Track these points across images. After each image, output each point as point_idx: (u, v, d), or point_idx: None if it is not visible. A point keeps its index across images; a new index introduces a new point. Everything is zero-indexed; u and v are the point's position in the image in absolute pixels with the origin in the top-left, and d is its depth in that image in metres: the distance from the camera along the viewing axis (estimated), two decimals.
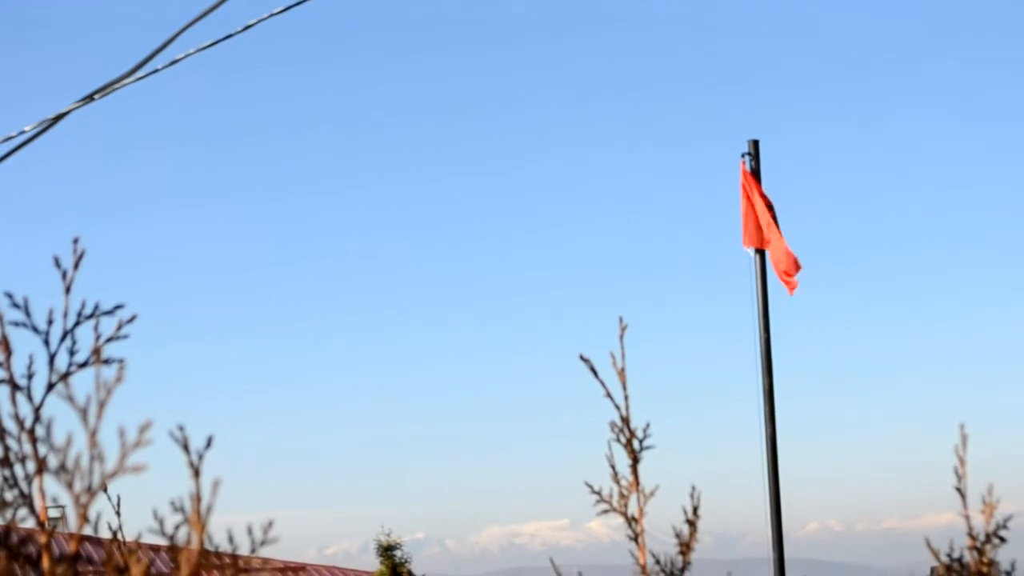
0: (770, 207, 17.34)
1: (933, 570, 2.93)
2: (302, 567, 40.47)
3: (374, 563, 33.34)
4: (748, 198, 17.44)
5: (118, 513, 3.35)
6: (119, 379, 2.16)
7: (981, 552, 2.71)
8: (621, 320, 2.87)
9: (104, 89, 8.00)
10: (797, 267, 17.42)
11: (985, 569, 2.70)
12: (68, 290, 2.27)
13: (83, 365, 2.23)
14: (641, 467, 2.92)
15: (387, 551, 32.37)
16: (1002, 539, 2.75)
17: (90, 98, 8.00)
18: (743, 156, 17.70)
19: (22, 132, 8.08)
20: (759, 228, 17.38)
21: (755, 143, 17.75)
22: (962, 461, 2.74)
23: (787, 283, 17.50)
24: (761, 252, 17.53)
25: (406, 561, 32.56)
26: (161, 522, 2.11)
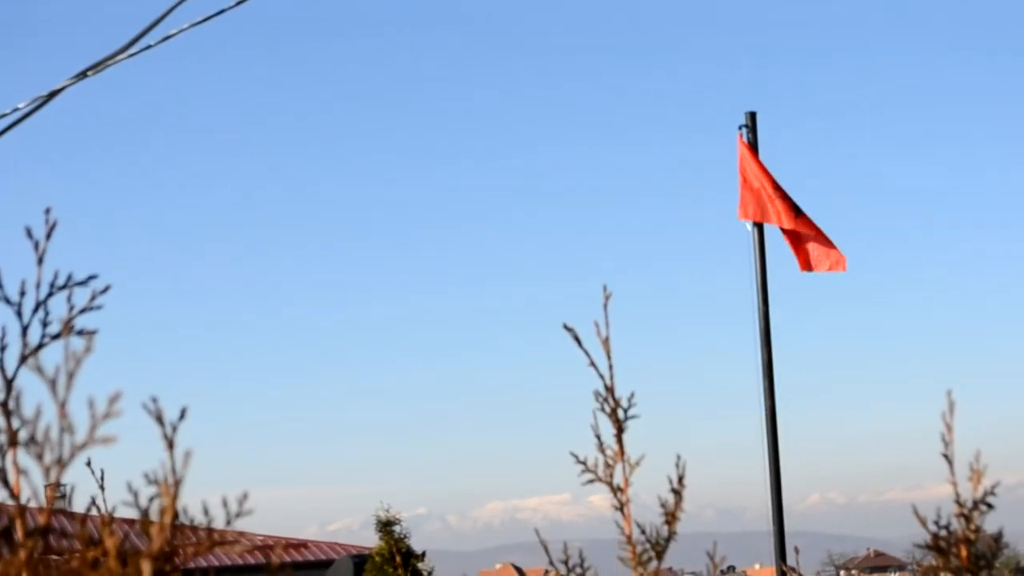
0: (785, 195, 17.21)
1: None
2: (303, 543, 40.53)
3: (375, 539, 33.30)
4: (745, 171, 17.37)
5: (102, 487, 3.33)
6: (88, 349, 2.14)
7: (968, 519, 2.69)
8: (605, 289, 2.85)
9: (97, 66, 7.95)
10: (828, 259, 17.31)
11: (972, 536, 2.68)
12: (40, 261, 2.24)
13: (56, 337, 2.20)
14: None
15: (386, 527, 32.34)
16: (989, 506, 2.72)
17: (83, 75, 7.95)
18: (740, 128, 17.63)
19: (16, 109, 8.03)
20: (758, 201, 17.30)
21: (752, 115, 17.66)
22: (949, 428, 2.72)
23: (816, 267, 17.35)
24: (759, 225, 17.45)
25: (406, 536, 32.53)
26: (136, 495, 2.09)
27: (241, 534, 1.99)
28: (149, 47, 7.84)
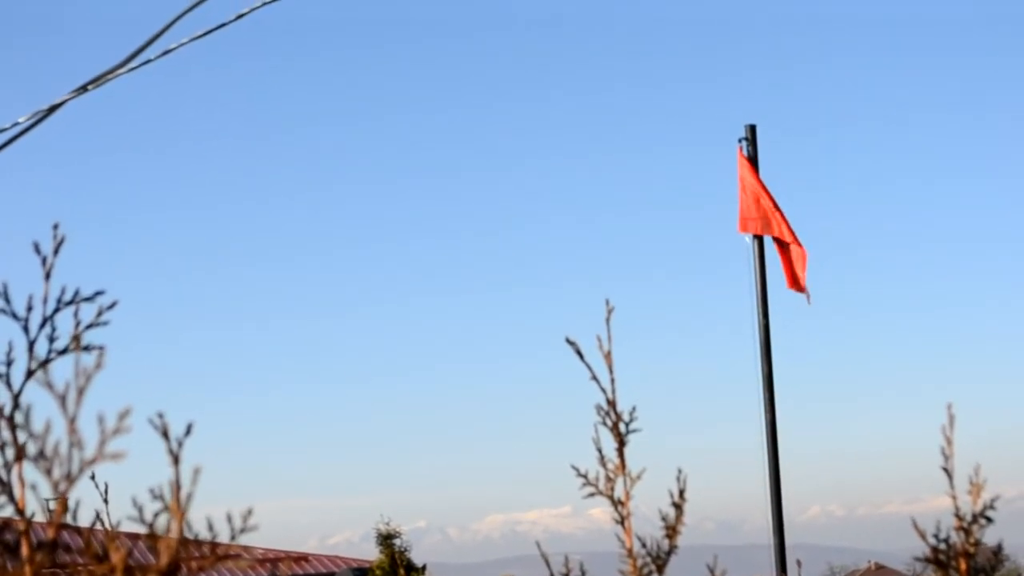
0: (778, 208, 17.28)
1: None
2: (304, 556, 40.49)
3: (375, 552, 33.31)
4: (744, 183, 17.40)
5: (106, 501, 3.34)
6: (98, 365, 2.15)
7: (968, 533, 2.71)
8: (608, 303, 2.87)
9: (98, 80, 7.96)
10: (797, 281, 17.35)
11: (972, 549, 2.69)
12: (48, 276, 2.26)
13: (63, 352, 2.22)
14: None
15: (386, 540, 32.38)
16: (988, 519, 2.74)
17: (84, 89, 7.97)
18: (740, 141, 17.64)
19: (16, 124, 8.04)
20: (759, 214, 17.33)
21: (752, 128, 17.68)
22: (949, 442, 2.73)
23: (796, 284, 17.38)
24: (759, 238, 17.47)
25: (406, 549, 32.57)
26: (140, 510, 2.10)
27: (245, 548, 2.00)
28: (149, 61, 7.86)
